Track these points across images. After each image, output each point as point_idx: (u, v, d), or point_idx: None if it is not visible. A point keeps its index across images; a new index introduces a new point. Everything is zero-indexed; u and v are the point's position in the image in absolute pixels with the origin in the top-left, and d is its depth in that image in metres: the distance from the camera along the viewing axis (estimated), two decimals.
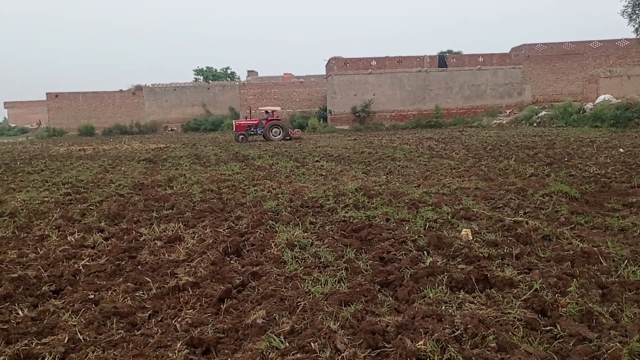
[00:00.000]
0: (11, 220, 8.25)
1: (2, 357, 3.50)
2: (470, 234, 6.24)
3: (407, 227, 6.82)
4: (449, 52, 57.49)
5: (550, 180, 10.20)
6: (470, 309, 4.08)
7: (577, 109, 32.01)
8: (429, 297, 4.39)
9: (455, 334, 3.59)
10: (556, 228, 6.44)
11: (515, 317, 3.85)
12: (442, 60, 43.93)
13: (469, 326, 3.61)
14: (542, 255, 5.41)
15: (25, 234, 7.33)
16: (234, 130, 32.67)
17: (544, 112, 35.38)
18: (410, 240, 6.12)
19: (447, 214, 7.52)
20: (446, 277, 4.77)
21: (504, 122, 37.97)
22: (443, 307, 4.15)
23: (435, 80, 43.42)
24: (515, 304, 4.12)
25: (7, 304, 4.63)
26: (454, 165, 13.74)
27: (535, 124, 33.89)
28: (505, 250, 5.58)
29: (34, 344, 3.75)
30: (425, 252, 5.65)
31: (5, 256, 6.15)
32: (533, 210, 7.60)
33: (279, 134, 31.06)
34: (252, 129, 31.73)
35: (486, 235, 6.26)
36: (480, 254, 5.43)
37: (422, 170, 13.17)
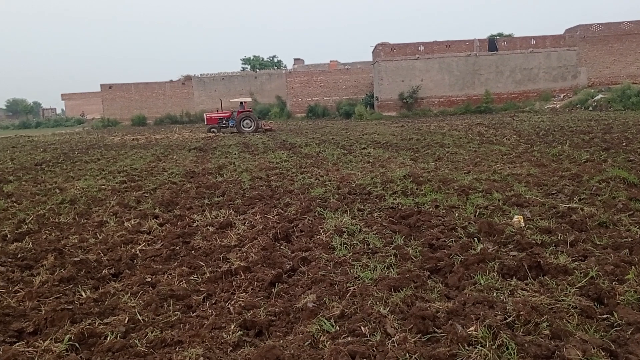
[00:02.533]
0: (72, 207, 8.63)
1: (68, 336, 3.68)
2: (522, 220, 6.12)
3: (456, 214, 6.75)
4: (500, 35, 56.01)
5: (607, 166, 9.84)
6: (523, 296, 4.02)
7: (636, 91, 30.68)
8: (480, 283, 4.35)
9: (507, 320, 3.55)
10: (613, 215, 6.23)
11: (569, 305, 3.77)
12: (493, 43, 42.83)
13: (521, 313, 3.57)
14: (598, 243, 5.26)
15: (85, 220, 7.65)
16: (206, 123, 32.34)
17: (600, 96, 34.08)
18: (460, 227, 6.06)
19: (498, 200, 7.39)
20: (497, 263, 4.71)
21: (557, 106, 36.81)
22: (494, 294, 4.11)
23: (485, 64, 42.41)
24: (569, 292, 4.04)
25: (70, 285, 4.87)
26: (505, 151, 13.45)
27: (591, 108, 32.69)
28: (559, 238, 5.45)
29: (96, 324, 3.94)
30: (475, 238, 5.59)
31: (67, 241, 6.45)
32: (588, 196, 7.38)
33: (251, 126, 30.65)
34: (224, 122, 31.45)
35: (539, 222, 6.13)
36: (533, 241, 5.32)
37: (471, 156, 12.96)
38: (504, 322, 3.53)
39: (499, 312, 3.68)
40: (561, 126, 20.57)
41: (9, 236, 6.73)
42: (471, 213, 6.78)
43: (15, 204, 9.23)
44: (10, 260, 5.69)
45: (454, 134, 20.35)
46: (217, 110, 35.03)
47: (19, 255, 5.85)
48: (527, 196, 7.53)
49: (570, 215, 6.28)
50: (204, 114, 34.21)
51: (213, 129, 31.26)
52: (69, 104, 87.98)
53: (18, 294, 4.64)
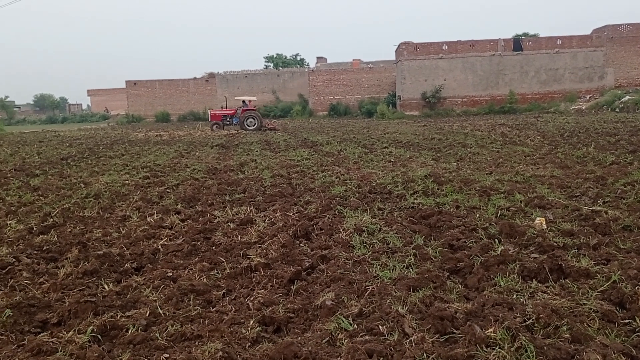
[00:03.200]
0: (96, 201, 8.78)
1: (90, 327, 3.76)
2: (544, 222, 6.06)
3: (477, 215, 6.71)
4: (525, 35, 55.30)
5: (633, 169, 9.67)
6: (543, 298, 3.98)
7: None
8: (500, 285, 4.32)
9: (527, 323, 3.53)
10: (638, 218, 6.13)
11: (590, 309, 3.73)
12: (518, 43, 42.33)
13: (541, 316, 3.54)
14: (622, 246, 5.18)
15: (109, 215, 7.78)
16: (209, 119, 32.81)
17: (627, 97, 33.45)
18: (481, 228, 6.02)
19: (520, 202, 7.32)
20: (518, 265, 4.67)
21: (583, 107, 36.23)
22: (514, 296, 4.07)
23: (510, 64, 41.95)
24: (591, 295, 3.98)
25: (94, 278, 4.96)
26: (529, 153, 13.30)
27: (617, 110, 32.10)
28: (581, 240, 5.38)
29: (118, 317, 4.01)
30: (496, 240, 5.54)
31: (91, 234, 6.57)
32: (613, 199, 7.26)
33: (254, 125, 30.91)
34: (228, 119, 31.82)
35: (561, 225, 6.05)
36: (555, 244, 5.26)
37: (494, 157, 12.84)
38: (523, 324, 3.51)
39: (519, 314, 3.65)
40: (586, 128, 20.25)
41: (35, 229, 6.87)
42: (492, 214, 6.73)
43: (41, 197, 9.41)
44: (36, 252, 5.81)
45: (477, 134, 20.17)
46: (222, 108, 35.37)
47: (45, 248, 5.97)
48: (549, 198, 7.44)
49: (593, 218, 6.19)
50: (209, 111, 34.87)
51: (216, 125, 31.56)
52: (94, 100, 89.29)
53: (43, 286, 4.74)
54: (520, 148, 14.41)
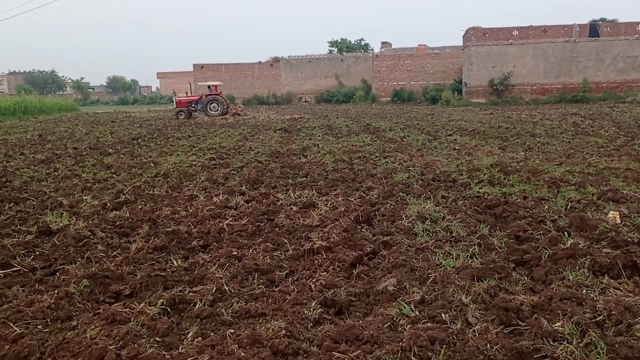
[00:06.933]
0: (165, 181, 9.11)
1: (160, 300, 3.93)
2: (618, 217, 5.78)
3: (546, 207, 6.49)
4: (602, 20, 52.52)
5: None
6: (615, 295, 3.83)
7: None
8: (569, 279, 4.19)
9: (597, 319, 3.41)
10: None
11: None
12: (594, 29, 40.25)
13: (612, 312, 3.41)
14: None
15: (177, 194, 8.05)
16: (175, 106, 31.73)
17: None
18: (549, 220, 5.83)
19: (592, 194, 7.02)
20: (588, 260, 4.50)
21: None
22: (584, 291, 3.94)
23: (584, 51, 39.99)
24: None
25: (163, 254, 5.17)
26: (602, 144, 12.70)
27: None
28: None
29: (186, 291, 4.17)
30: (565, 233, 5.35)
31: (160, 212, 6.83)
32: None
33: (217, 109, 30.05)
34: (193, 105, 30.81)
35: (637, 219, 5.77)
36: (629, 239, 5.02)
37: (565, 147, 12.34)
38: (593, 320, 3.39)
39: (588, 310, 3.53)
40: None
41: (108, 205, 7.22)
42: (562, 206, 6.49)
43: (114, 175, 9.87)
44: (109, 227, 6.11)
45: (547, 123, 19.44)
46: (187, 94, 33.96)
47: (117, 223, 6.27)
48: (624, 192, 7.09)
49: None
50: (174, 97, 33.65)
51: (181, 112, 30.48)
52: (163, 82, 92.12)
53: (116, 259, 4.99)
54: (594, 139, 13.77)
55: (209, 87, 32.05)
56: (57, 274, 4.67)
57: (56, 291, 4.12)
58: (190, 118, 30.08)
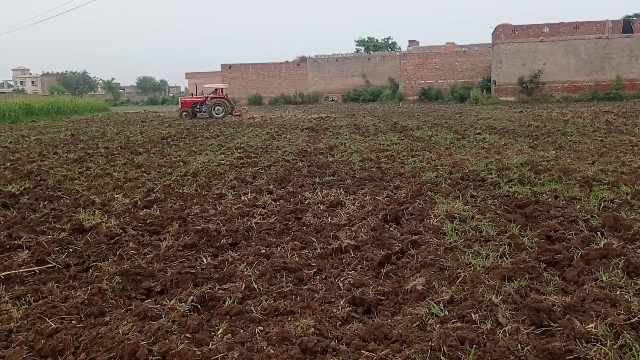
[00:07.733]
0: (194, 179, 9.22)
1: (190, 297, 3.98)
2: None
3: (578, 206, 6.37)
4: (636, 16, 51.24)
5: None
6: None
7: None
8: (602, 280, 4.10)
9: (632, 320, 3.33)
10: None
11: None
12: (628, 24, 39.32)
13: None
14: None
15: (206, 192, 8.15)
16: (180, 107, 32.10)
17: None
18: (581, 220, 5.71)
19: (627, 194, 6.86)
20: (623, 261, 4.40)
21: None
22: (618, 292, 3.85)
23: (618, 47, 39.09)
24: None
25: (193, 251, 5.23)
26: (637, 142, 12.40)
27: None
28: None
29: (216, 289, 4.21)
30: (598, 233, 5.24)
31: (190, 210, 6.92)
32: None
33: (222, 112, 30.40)
34: (198, 106, 31.23)
35: None
36: None
37: (597, 146, 12.09)
38: (628, 322, 3.31)
39: (622, 311, 3.45)
40: None
41: (139, 203, 7.34)
42: (595, 206, 6.36)
43: (144, 174, 10.03)
44: (140, 225, 6.21)
45: (578, 121, 19.07)
46: (192, 95, 34.58)
47: (148, 221, 6.37)
48: None
49: None
50: (179, 98, 34.44)
51: (185, 112, 30.99)
52: (192, 83, 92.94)
53: (147, 256, 5.07)
54: (628, 137, 13.46)
55: (215, 90, 32.59)
56: (90, 270, 4.76)
57: (89, 287, 4.21)
58: (194, 118, 30.58)
